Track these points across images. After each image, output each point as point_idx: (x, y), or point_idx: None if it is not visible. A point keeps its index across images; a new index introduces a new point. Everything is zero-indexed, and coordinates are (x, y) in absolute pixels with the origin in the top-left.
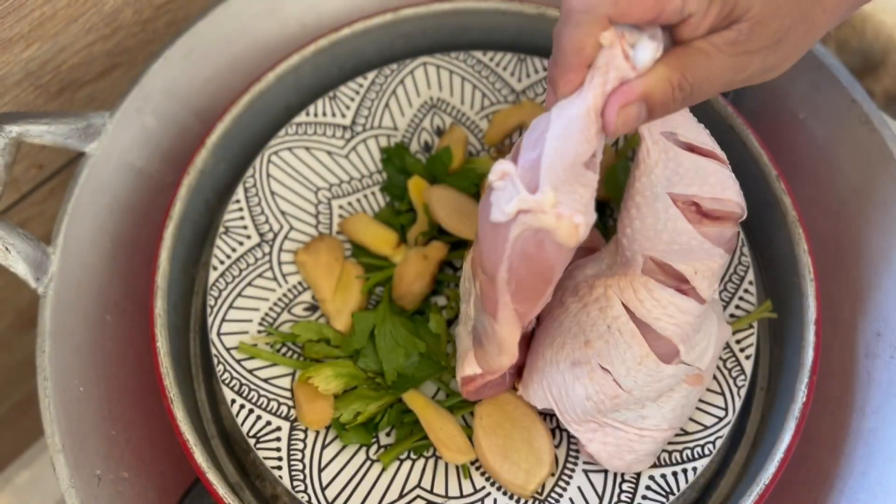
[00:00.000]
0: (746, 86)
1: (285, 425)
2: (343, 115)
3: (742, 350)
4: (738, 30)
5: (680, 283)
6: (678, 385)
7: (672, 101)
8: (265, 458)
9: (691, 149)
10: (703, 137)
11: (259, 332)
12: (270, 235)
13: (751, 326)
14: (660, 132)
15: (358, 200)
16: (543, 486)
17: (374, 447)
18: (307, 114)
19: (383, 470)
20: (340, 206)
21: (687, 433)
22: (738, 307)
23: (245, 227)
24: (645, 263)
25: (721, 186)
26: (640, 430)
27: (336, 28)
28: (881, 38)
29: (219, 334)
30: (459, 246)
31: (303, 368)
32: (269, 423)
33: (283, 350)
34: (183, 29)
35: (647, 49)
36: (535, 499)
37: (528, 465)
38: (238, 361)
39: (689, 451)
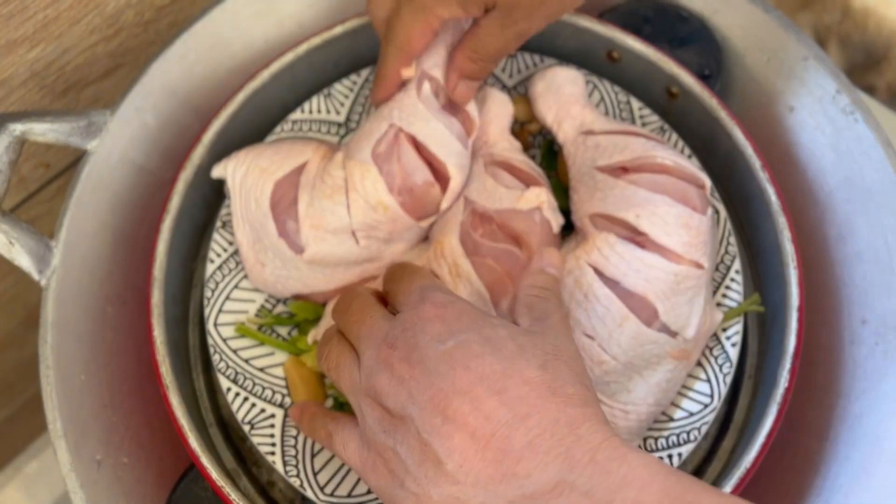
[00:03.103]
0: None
1: (279, 413)
2: (338, 112)
3: (728, 338)
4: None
5: (633, 235)
6: (664, 359)
7: (477, 69)
8: (259, 444)
9: (608, 133)
10: (614, 124)
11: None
12: None
13: (738, 314)
14: (577, 134)
15: None
16: None
17: None
18: (302, 111)
19: None
20: None
21: (672, 419)
22: (724, 296)
23: None
24: (592, 221)
25: (642, 149)
26: (624, 405)
27: (329, 26)
28: (884, 33)
29: (215, 325)
30: None
31: (297, 352)
32: (263, 410)
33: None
34: (182, 28)
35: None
36: None
37: None
38: (234, 351)
39: (674, 437)
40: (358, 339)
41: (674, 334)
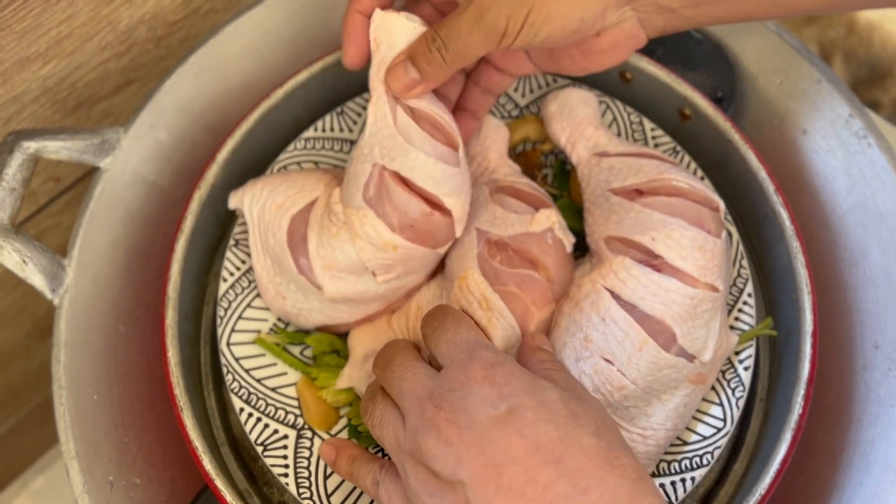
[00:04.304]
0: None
1: (292, 433)
2: (350, 130)
3: (741, 361)
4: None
5: (648, 258)
6: (682, 383)
7: (429, 52)
8: (272, 466)
9: (622, 155)
10: (628, 146)
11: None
12: None
13: (750, 338)
14: (591, 155)
15: None
16: None
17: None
18: (315, 129)
19: None
20: None
21: (686, 443)
22: (737, 319)
23: None
24: (608, 244)
25: (657, 171)
26: (643, 430)
27: None
28: (888, 49)
29: (228, 344)
30: None
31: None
32: (276, 431)
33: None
34: (195, 47)
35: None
36: None
37: None
38: (247, 371)
39: (687, 461)
40: (401, 396)
41: (691, 358)
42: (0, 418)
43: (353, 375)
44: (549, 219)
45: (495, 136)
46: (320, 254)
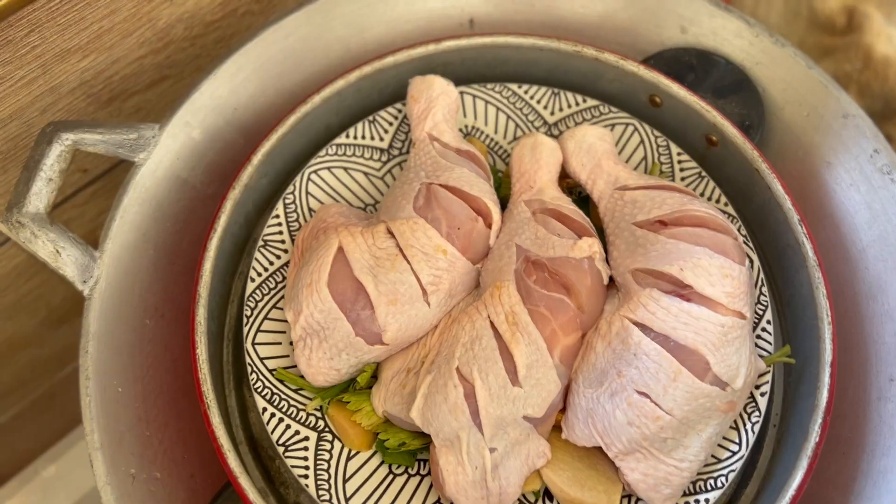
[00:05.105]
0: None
1: (313, 435)
2: (381, 139)
3: (758, 387)
4: None
5: (677, 288)
6: (714, 412)
7: None
8: (293, 467)
9: (643, 188)
10: (648, 180)
11: (291, 343)
12: None
13: (767, 365)
14: (613, 190)
15: None
16: None
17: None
18: (347, 135)
19: (408, 480)
20: None
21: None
22: (756, 345)
23: (283, 242)
24: (635, 277)
25: (679, 203)
26: (679, 461)
27: (380, 55)
28: None
29: (253, 344)
30: None
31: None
32: (297, 432)
33: None
34: (233, 49)
35: None
36: None
37: (604, 486)
38: (271, 371)
39: (702, 483)
40: None
41: (724, 386)
42: (5, 405)
43: (382, 395)
44: (592, 247)
45: (549, 159)
46: (381, 291)
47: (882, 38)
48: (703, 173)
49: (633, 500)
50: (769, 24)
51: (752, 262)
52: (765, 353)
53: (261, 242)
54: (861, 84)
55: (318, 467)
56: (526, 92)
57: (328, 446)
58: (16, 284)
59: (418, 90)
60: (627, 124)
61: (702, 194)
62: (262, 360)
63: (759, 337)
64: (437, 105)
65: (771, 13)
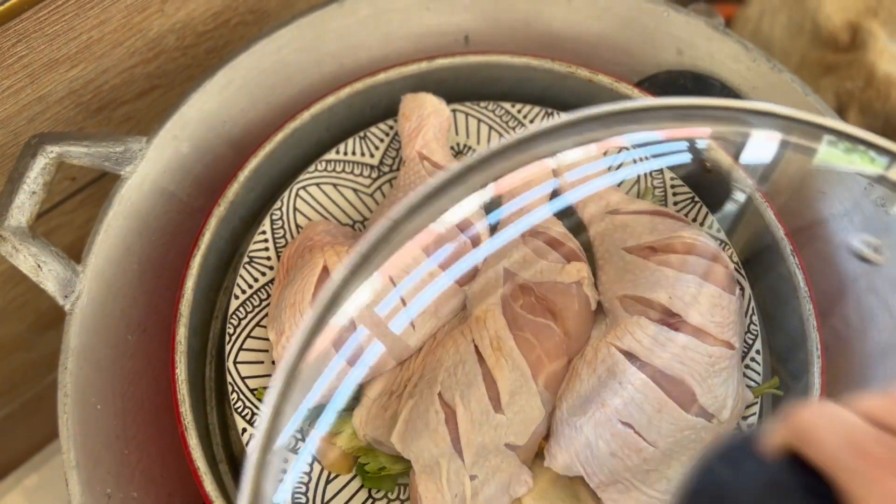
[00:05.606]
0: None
1: (291, 457)
2: (371, 155)
3: (745, 418)
4: None
5: (665, 317)
6: (699, 444)
7: None
8: None
9: (635, 213)
10: (640, 205)
11: (274, 363)
12: None
13: (755, 396)
14: (604, 213)
15: None
16: None
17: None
18: (337, 151)
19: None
20: None
21: None
22: (745, 375)
23: (268, 258)
24: (623, 304)
25: (671, 230)
26: (663, 494)
27: (373, 72)
28: None
29: (235, 363)
30: None
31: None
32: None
33: None
34: (224, 61)
35: None
36: None
37: None
38: (252, 391)
39: None
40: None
41: (710, 417)
42: None
43: (364, 417)
44: (580, 272)
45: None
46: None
47: (885, 57)
48: (696, 198)
49: None
50: (773, 38)
51: (742, 290)
52: (753, 384)
53: (246, 259)
54: (862, 102)
55: (296, 490)
56: (519, 111)
57: (307, 468)
58: (3, 291)
59: (410, 108)
60: (622, 150)
61: (694, 220)
62: (243, 379)
63: (747, 366)
64: (429, 124)
65: (775, 27)
